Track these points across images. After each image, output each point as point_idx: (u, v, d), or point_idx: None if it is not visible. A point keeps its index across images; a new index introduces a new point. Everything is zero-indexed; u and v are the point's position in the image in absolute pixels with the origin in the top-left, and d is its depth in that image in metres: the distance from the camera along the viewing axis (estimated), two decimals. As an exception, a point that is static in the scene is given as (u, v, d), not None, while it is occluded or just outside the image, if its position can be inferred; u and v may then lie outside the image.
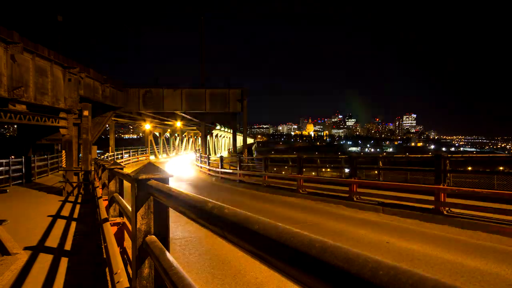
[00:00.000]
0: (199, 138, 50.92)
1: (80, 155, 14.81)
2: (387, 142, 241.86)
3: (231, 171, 18.45)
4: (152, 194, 2.01)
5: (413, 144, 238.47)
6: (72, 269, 5.02)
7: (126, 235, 4.70)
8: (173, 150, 47.82)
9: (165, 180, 2.09)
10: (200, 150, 33.49)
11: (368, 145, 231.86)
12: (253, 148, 72.22)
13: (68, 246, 6.29)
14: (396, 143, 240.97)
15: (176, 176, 19.99)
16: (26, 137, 18.79)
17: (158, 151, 41.47)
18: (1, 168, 14.96)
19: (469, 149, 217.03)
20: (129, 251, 4.21)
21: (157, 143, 42.19)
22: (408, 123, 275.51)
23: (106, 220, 4.81)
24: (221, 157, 20.25)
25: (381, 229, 6.98)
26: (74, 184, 13.57)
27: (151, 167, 2.21)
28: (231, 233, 0.96)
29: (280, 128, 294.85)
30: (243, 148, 26.21)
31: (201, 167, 23.92)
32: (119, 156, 30.46)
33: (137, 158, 34.61)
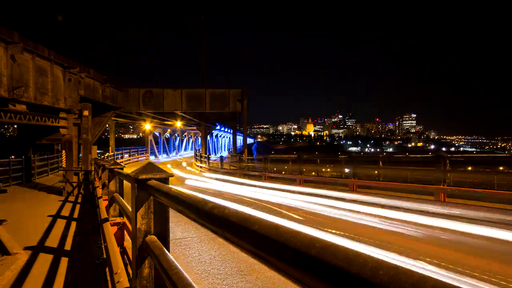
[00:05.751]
0: (199, 138, 50.92)
1: (80, 155, 14.80)
2: (387, 142, 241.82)
3: (231, 171, 18.46)
4: (152, 194, 2.01)
5: (413, 144, 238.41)
6: (72, 269, 5.02)
7: (126, 235, 4.70)
8: (173, 150, 47.84)
9: (165, 180, 2.09)
10: (200, 150, 33.51)
11: (368, 145, 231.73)
12: (253, 148, 72.21)
13: (68, 246, 6.28)
14: (396, 143, 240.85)
15: (176, 176, 19.99)
16: (26, 137, 18.76)
17: (158, 151, 41.50)
18: (1, 168, 14.95)
19: (469, 149, 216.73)
20: (129, 251, 4.21)
21: (157, 143, 42.22)
22: (408, 123, 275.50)
23: (106, 220, 4.81)
24: (221, 157, 20.28)
25: (381, 228, 6.96)
26: (74, 184, 13.56)
27: (151, 167, 2.21)
28: (231, 233, 0.96)
29: (280, 128, 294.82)
30: (243, 148, 26.20)
31: (201, 167, 23.92)
32: (119, 156, 30.47)
33: (137, 158, 34.65)
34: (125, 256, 4.23)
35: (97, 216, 8.04)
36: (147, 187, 2.05)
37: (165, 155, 43.24)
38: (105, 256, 4.48)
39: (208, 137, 38.96)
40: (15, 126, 38.45)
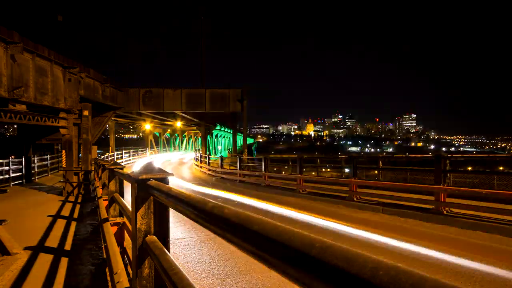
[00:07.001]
0: (199, 138, 50.92)
1: (80, 155, 14.80)
2: (387, 142, 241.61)
3: (231, 171, 18.47)
4: (152, 194, 2.01)
5: (413, 144, 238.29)
6: (72, 269, 5.02)
7: (126, 235, 4.70)
8: (173, 150, 47.87)
9: (165, 180, 2.09)
10: (200, 150, 33.51)
11: (368, 145, 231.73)
12: (253, 148, 72.26)
13: (68, 246, 6.29)
14: (396, 143, 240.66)
15: (176, 176, 19.99)
16: (26, 137, 18.76)
17: (158, 151, 41.54)
18: (1, 168, 14.96)
19: (469, 149, 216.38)
20: (129, 251, 4.21)
21: (157, 143, 42.27)
22: (408, 123, 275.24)
23: (106, 220, 4.81)
24: (221, 157, 20.27)
25: (381, 229, 6.97)
26: (74, 184, 13.56)
27: (151, 167, 2.21)
28: (231, 233, 0.96)
29: (280, 128, 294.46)
30: (243, 148, 26.20)
31: (201, 167, 23.92)
32: (119, 156, 30.49)
33: (138, 158, 34.69)
34: (125, 256, 4.23)
35: (97, 216, 8.05)
36: (147, 187, 2.05)
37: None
38: (105, 256, 4.49)
39: (208, 137, 38.96)
40: (15, 126, 38.43)
